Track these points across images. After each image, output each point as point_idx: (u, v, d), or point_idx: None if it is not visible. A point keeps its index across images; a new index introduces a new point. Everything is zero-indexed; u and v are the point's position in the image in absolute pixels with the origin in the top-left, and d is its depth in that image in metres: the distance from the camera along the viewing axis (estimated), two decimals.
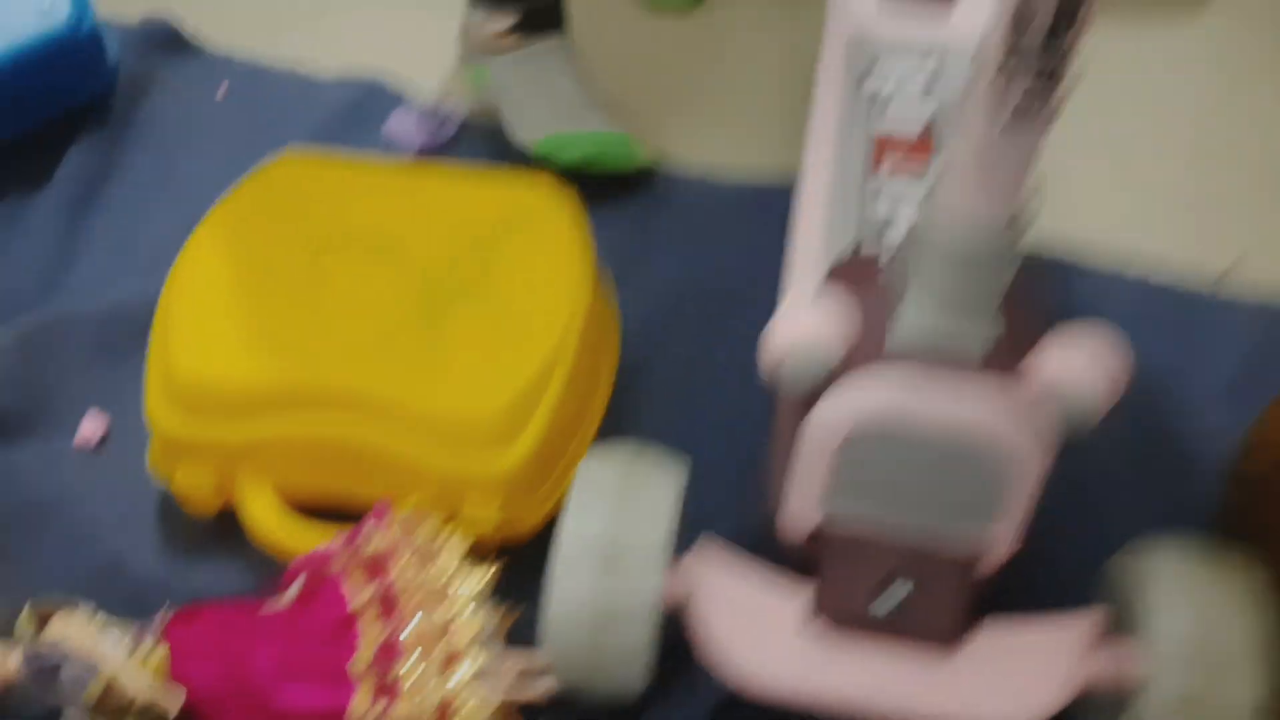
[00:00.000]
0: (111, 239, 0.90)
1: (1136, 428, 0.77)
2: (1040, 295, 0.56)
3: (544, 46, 0.98)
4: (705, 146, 0.99)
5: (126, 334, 0.80)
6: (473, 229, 0.71)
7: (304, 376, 0.65)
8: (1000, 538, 0.53)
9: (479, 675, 0.59)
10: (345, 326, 0.67)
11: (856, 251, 0.62)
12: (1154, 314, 0.86)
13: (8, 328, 0.82)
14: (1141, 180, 0.99)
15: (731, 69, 1.08)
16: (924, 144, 0.79)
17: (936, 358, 0.50)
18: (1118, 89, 1.04)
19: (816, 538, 0.56)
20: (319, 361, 0.65)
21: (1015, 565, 0.57)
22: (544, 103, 0.97)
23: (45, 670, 0.60)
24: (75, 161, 0.93)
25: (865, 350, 0.51)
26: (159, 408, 0.67)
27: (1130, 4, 1.13)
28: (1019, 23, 0.39)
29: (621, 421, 0.75)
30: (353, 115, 0.99)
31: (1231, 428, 0.74)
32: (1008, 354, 0.50)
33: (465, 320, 0.67)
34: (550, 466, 0.66)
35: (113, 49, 0.98)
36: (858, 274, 0.55)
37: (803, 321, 0.50)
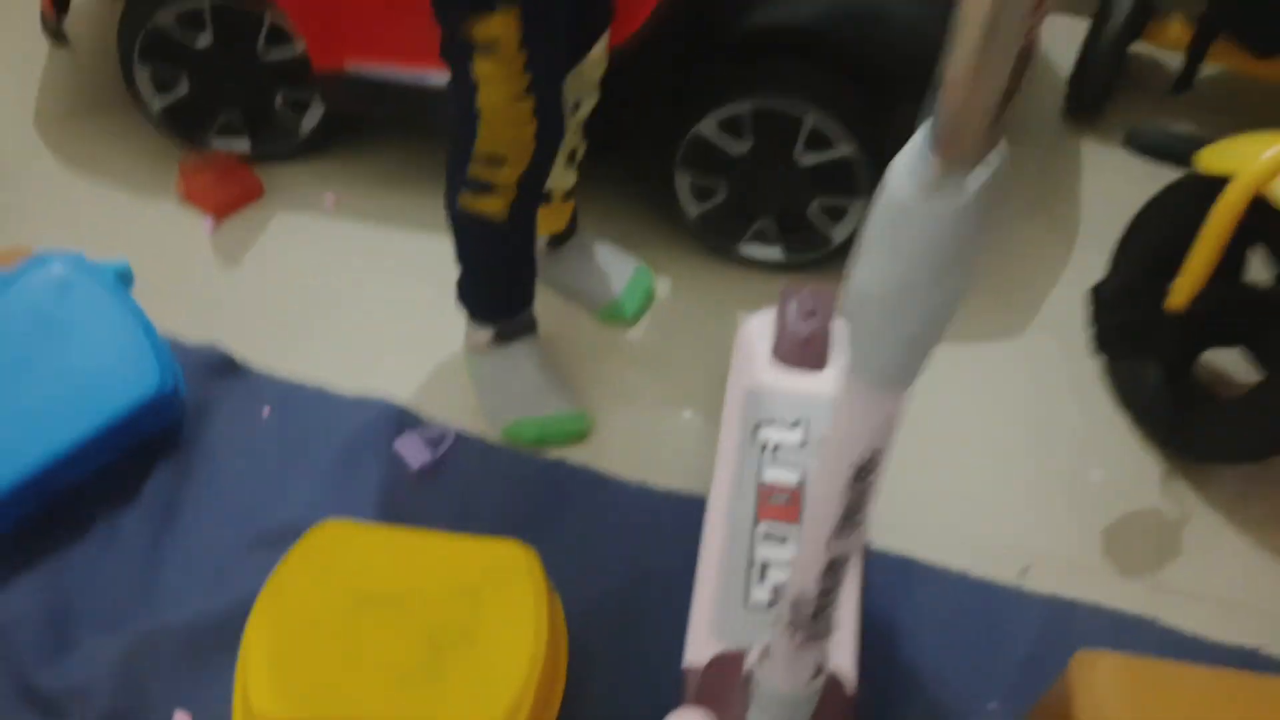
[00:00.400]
0: (188, 553, 1.16)
1: (931, 710, 1.05)
2: (836, 703, 0.84)
3: (515, 349, 1.27)
4: (639, 436, 1.28)
5: (204, 645, 1.06)
6: (463, 584, 0.98)
7: (346, 712, 0.91)
8: None
9: None
10: (374, 671, 0.93)
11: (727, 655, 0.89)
12: (958, 604, 1.15)
13: (112, 637, 1.08)
14: (961, 487, 1.27)
15: (663, 373, 1.37)
16: (796, 497, 1.08)
17: None
18: (947, 404, 1.33)
19: None
20: (356, 699, 0.92)
21: None
22: (509, 393, 1.27)
23: None
24: (154, 486, 1.20)
25: None
26: None
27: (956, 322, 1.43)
28: (795, 605, 0.68)
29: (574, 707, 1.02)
30: (369, 432, 1.26)
31: (1020, 703, 1.01)
32: None
33: (459, 662, 0.94)
34: None
35: (180, 382, 1.25)
36: (726, 669, 0.83)
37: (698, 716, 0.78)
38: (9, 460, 1.10)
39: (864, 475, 0.59)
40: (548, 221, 1.36)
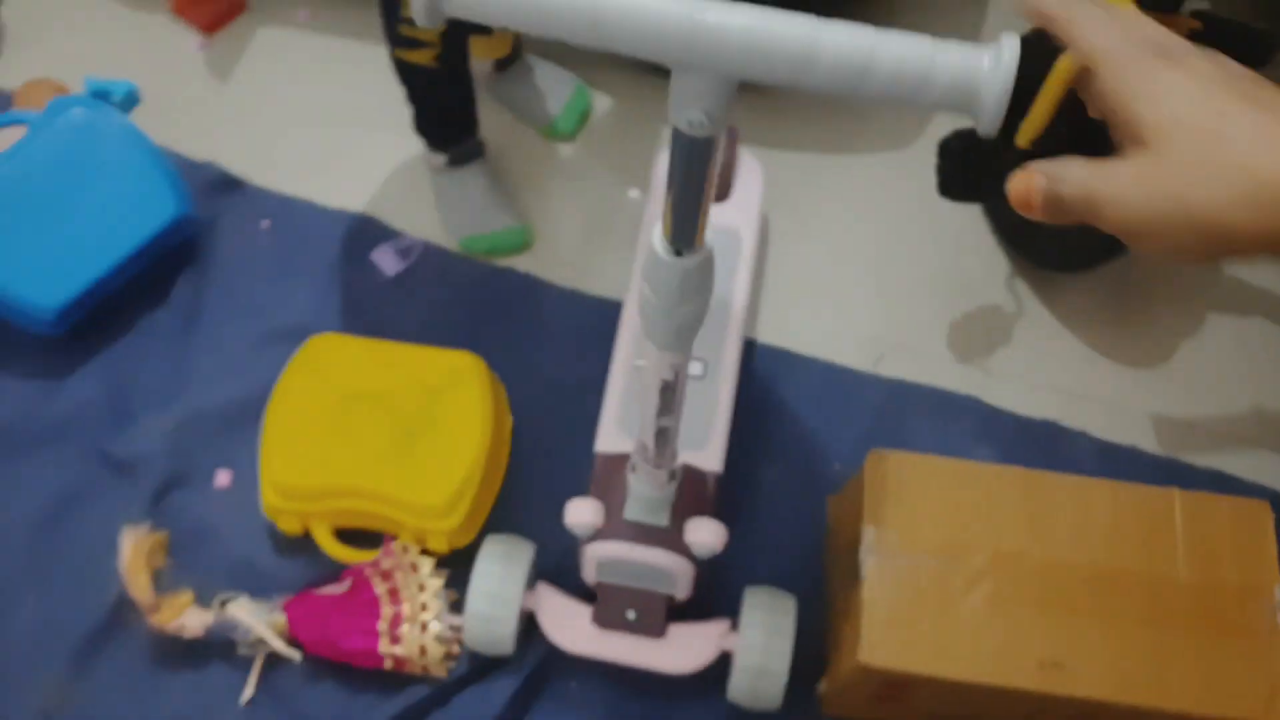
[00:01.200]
0: (214, 346, 1.45)
1: (789, 473, 1.37)
2: (690, 483, 1.15)
3: (466, 171, 1.52)
4: (575, 247, 1.55)
5: (235, 419, 1.36)
6: (426, 385, 1.29)
7: (339, 480, 1.24)
8: (680, 590, 1.15)
9: (438, 630, 1.22)
10: (360, 447, 1.25)
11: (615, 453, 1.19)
12: (821, 387, 1.45)
13: (162, 414, 1.40)
14: (836, 288, 1.53)
15: (598, 187, 1.61)
16: None
17: (644, 526, 1.10)
18: (831, 209, 1.58)
19: (596, 588, 1.18)
20: (347, 471, 1.25)
21: (691, 601, 1.18)
22: (463, 210, 1.52)
23: (225, 627, 1.23)
24: (180, 291, 1.48)
25: (611, 523, 1.11)
26: (268, 491, 1.26)
27: (851, 136, 1.65)
28: (641, 450, 0.98)
29: (515, 479, 1.35)
30: (352, 242, 1.53)
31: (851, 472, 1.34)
32: (678, 523, 1.10)
33: (424, 444, 1.26)
34: (476, 519, 1.27)
35: (189, 202, 1.50)
36: (615, 466, 1.14)
37: (584, 509, 1.10)
38: (61, 281, 1.38)
39: (667, 391, 0.89)
40: (491, 48, 1.55)
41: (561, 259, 1.54)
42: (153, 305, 1.48)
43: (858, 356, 1.47)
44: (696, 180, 0.66)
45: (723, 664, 1.17)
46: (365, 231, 1.54)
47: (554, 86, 1.62)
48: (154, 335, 1.46)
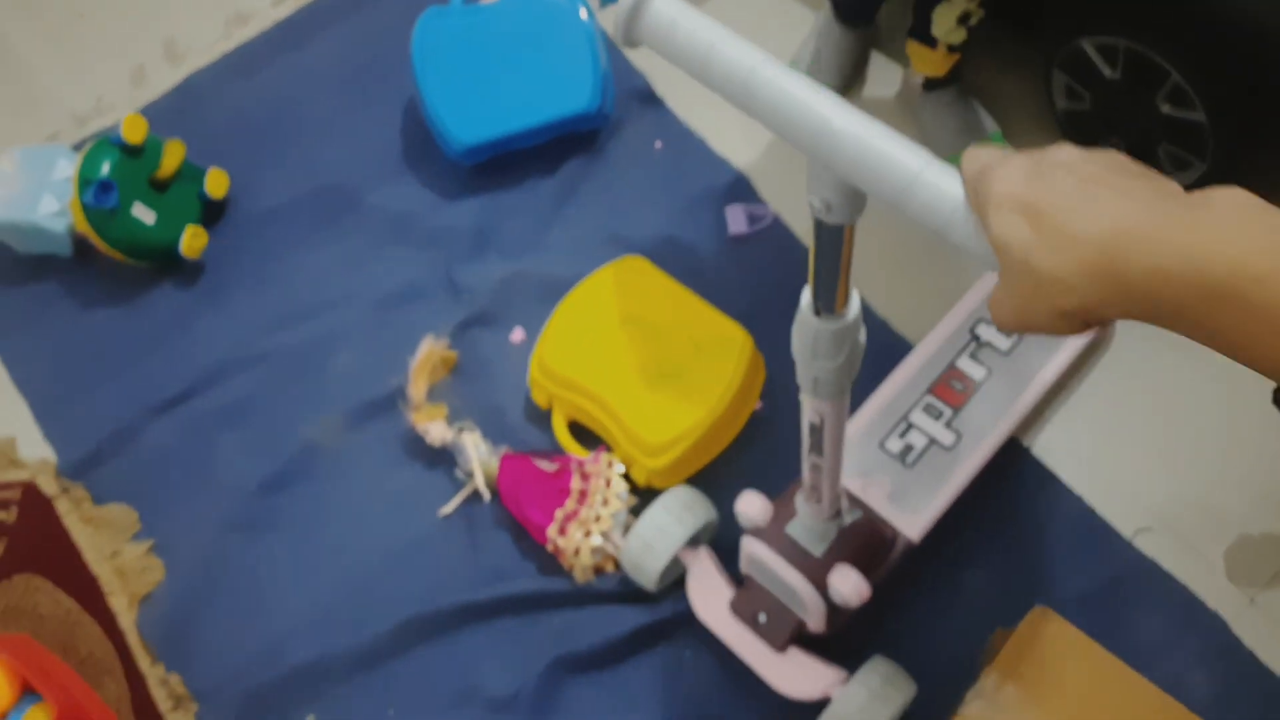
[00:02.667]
0: (575, 224, 1.64)
1: (987, 584, 1.32)
2: (865, 534, 1.16)
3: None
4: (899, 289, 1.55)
5: (551, 293, 1.53)
6: (696, 339, 1.39)
7: (587, 381, 1.39)
8: (810, 621, 1.18)
9: (597, 543, 1.35)
10: (617, 364, 1.39)
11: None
12: (1066, 524, 1.36)
13: (507, 262, 1.62)
14: (1136, 436, 1.39)
15: None
16: (970, 389, 1.34)
17: (798, 547, 1.15)
18: (1174, 355, 1.43)
19: (742, 579, 1.24)
20: (597, 377, 1.39)
21: (829, 640, 1.21)
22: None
23: (455, 448, 1.44)
24: (569, 168, 1.68)
25: (772, 527, 1.16)
26: (534, 363, 1.45)
27: None
28: (803, 481, 1.02)
29: (744, 455, 1.42)
30: (716, 190, 1.64)
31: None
32: (829, 561, 1.13)
33: (672, 386, 1.37)
34: (681, 470, 1.37)
35: (609, 101, 1.68)
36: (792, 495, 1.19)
37: (754, 504, 1.16)
38: (480, 124, 1.63)
39: (814, 434, 0.94)
40: (930, 64, 1.56)
41: (881, 284, 1.55)
42: (542, 172, 1.69)
43: (1120, 516, 1.37)
44: (831, 258, 0.73)
45: (821, 707, 1.19)
46: (732, 185, 1.64)
47: (972, 123, 1.61)
48: (532, 196, 1.68)
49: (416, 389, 1.47)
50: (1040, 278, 0.48)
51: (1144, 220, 0.45)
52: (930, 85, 1.61)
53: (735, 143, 1.68)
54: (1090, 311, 0.48)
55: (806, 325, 0.80)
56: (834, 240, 0.71)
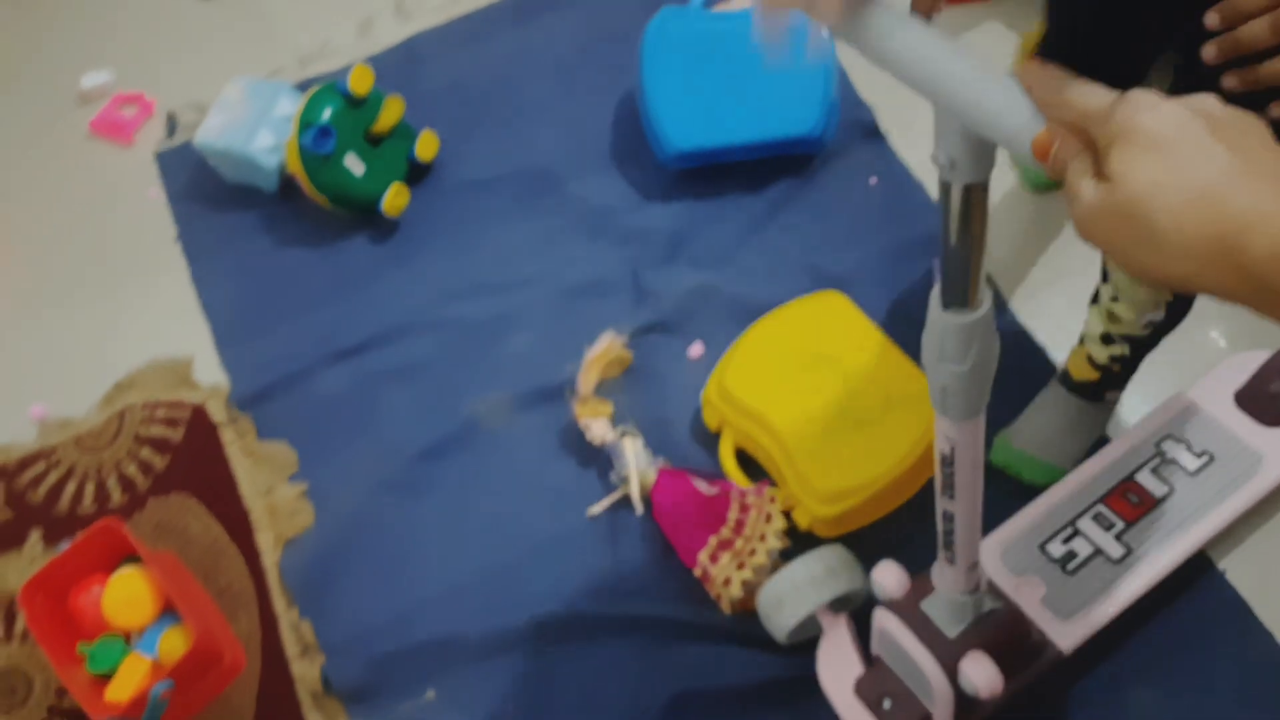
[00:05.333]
0: (761, 247, 1.60)
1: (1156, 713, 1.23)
2: (1007, 625, 1.09)
3: None
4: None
5: (741, 313, 1.48)
6: (889, 392, 1.33)
7: (764, 411, 1.34)
8: (938, 713, 1.10)
9: (747, 578, 1.30)
10: (800, 401, 1.34)
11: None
12: (1256, 665, 1.25)
13: (698, 275, 1.58)
14: None
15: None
16: (1147, 505, 1.24)
17: (930, 625, 1.08)
18: None
19: (872, 659, 1.18)
20: (776, 408, 1.34)
21: None
22: None
23: (613, 450, 1.41)
24: (774, 192, 1.64)
25: (906, 601, 1.10)
26: (711, 381, 1.41)
27: None
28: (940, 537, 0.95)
29: (919, 517, 1.35)
30: (931, 239, 1.57)
31: None
32: (963, 645, 1.06)
33: (855, 435, 1.31)
34: (845, 523, 1.31)
35: (831, 127, 1.63)
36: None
37: (890, 575, 1.10)
38: (694, 131, 1.59)
39: (945, 466, 0.88)
40: None
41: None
42: (749, 189, 1.65)
43: None
44: (961, 235, 0.68)
45: None
46: None
47: None
48: (735, 212, 1.64)
49: (587, 381, 1.44)
50: (1154, 228, 0.47)
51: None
52: None
53: None
54: (1190, 279, 0.47)
55: (934, 323, 0.75)
56: (964, 207, 0.66)
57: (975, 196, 0.66)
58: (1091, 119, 0.51)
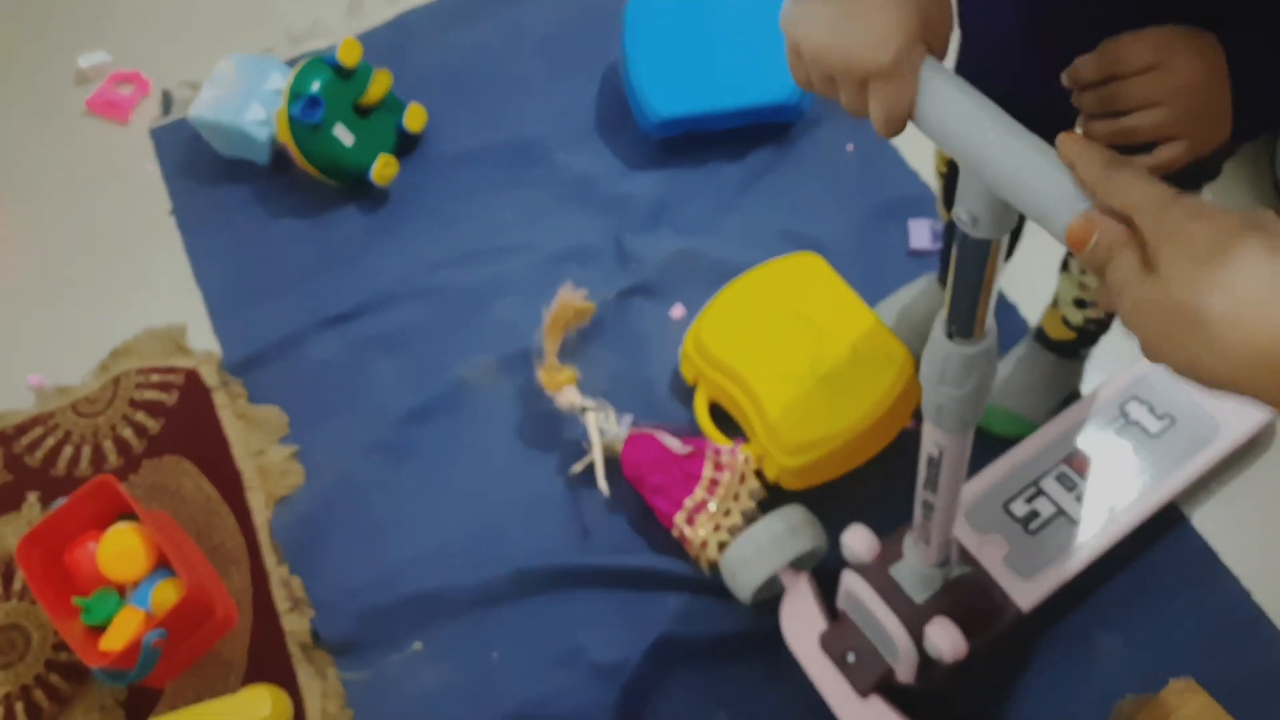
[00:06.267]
0: (741, 210, 1.63)
1: (1123, 655, 1.26)
2: (973, 591, 1.11)
3: None
4: None
5: (719, 274, 1.50)
6: (859, 350, 1.36)
7: (737, 365, 1.37)
8: (900, 671, 1.13)
9: (725, 539, 1.32)
10: (772, 356, 1.37)
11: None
12: (1224, 611, 1.28)
13: (678, 240, 1.61)
14: None
15: None
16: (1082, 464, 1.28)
17: (899, 590, 1.11)
18: None
19: (836, 615, 1.21)
20: (748, 362, 1.37)
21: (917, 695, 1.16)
22: None
23: (580, 424, 1.43)
24: (754, 160, 1.67)
25: (875, 565, 1.13)
26: (689, 336, 1.43)
27: None
28: (915, 518, 0.98)
29: (881, 477, 1.38)
30: (901, 203, 1.60)
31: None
32: (929, 610, 1.09)
33: (824, 389, 1.34)
34: (813, 476, 1.34)
35: (808, 96, 1.66)
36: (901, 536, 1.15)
37: (860, 539, 1.13)
38: (676, 99, 1.62)
39: (931, 467, 0.91)
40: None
41: None
42: (729, 157, 1.69)
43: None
44: (973, 278, 0.70)
45: None
46: (919, 200, 1.60)
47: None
48: (716, 178, 1.67)
49: (550, 341, 1.45)
50: (1207, 333, 0.47)
51: None
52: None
53: (928, 156, 1.64)
54: (1239, 384, 0.47)
55: (937, 348, 0.77)
56: (978, 256, 0.68)
57: (992, 250, 0.68)
58: (1142, 212, 0.50)
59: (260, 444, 1.51)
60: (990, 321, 0.75)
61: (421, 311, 1.60)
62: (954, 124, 0.58)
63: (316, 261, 1.67)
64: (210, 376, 1.58)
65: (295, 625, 1.37)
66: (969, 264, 0.69)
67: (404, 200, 1.72)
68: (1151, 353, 0.50)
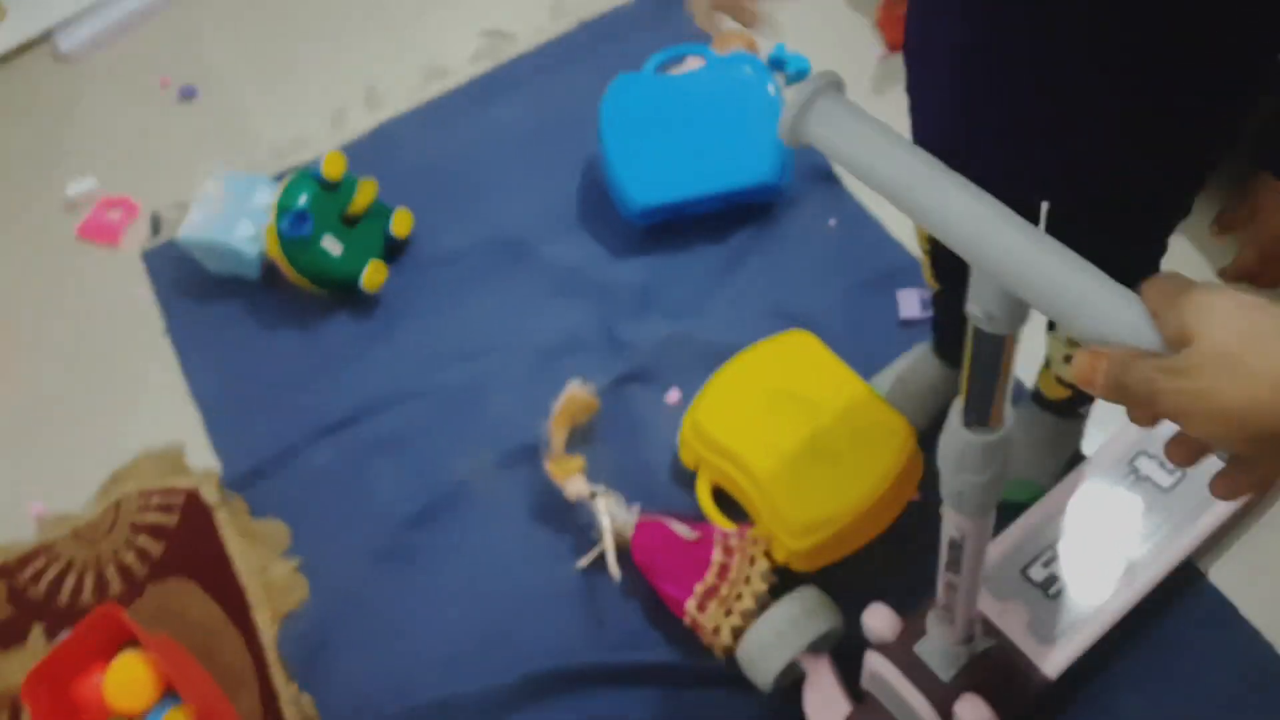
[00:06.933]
0: (730, 294, 1.65)
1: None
2: (1000, 664, 1.10)
3: None
4: None
5: (714, 357, 1.49)
6: (856, 426, 1.35)
7: (738, 448, 1.37)
8: None
9: (738, 624, 1.31)
10: (771, 437, 1.36)
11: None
12: (1245, 664, 1.26)
13: (671, 325, 1.62)
14: None
15: None
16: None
17: (925, 669, 1.09)
18: None
19: (861, 696, 1.19)
20: (749, 445, 1.36)
21: None
22: None
23: (588, 510, 1.42)
24: (738, 241, 1.68)
25: (899, 644, 1.11)
26: (686, 421, 1.44)
27: None
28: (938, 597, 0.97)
29: (893, 552, 1.36)
30: (888, 273, 1.61)
31: None
32: (957, 688, 1.07)
33: (826, 468, 1.33)
34: (821, 557, 1.33)
35: (788, 174, 1.69)
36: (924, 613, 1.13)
37: (882, 618, 1.12)
38: (657, 188, 1.65)
39: (953, 549, 0.90)
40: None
41: None
42: (713, 239, 1.70)
43: None
44: (988, 370, 0.70)
45: None
46: (905, 270, 1.61)
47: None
48: (701, 262, 1.69)
49: (557, 434, 1.46)
50: (1250, 367, 0.48)
51: None
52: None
53: (911, 226, 1.66)
54: (1260, 439, 0.48)
55: (955, 437, 0.77)
56: (993, 350, 0.68)
57: (1007, 342, 0.68)
58: (1165, 297, 0.52)
59: (263, 560, 1.51)
60: (1008, 409, 0.75)
61: (418, 413, 1.60)
62: (965, 228, 0.59)
63: (311, 371, 1.68)
64: (210, 495, 1.58)
65: None
66: (984, 357, 0.70)
67: (394, 304, 1.73)
68: (1197, 423, 0.50)
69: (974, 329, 0.67)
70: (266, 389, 1.68)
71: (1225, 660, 1.27)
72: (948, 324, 1.38)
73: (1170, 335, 0.51)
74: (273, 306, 1.76)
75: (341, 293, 1.72)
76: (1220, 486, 0.54)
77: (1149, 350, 0.51)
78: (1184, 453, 0.55)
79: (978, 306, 0.64)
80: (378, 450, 1.58)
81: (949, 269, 1.25)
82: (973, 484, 0.79)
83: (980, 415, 0.75)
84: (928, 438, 1.34)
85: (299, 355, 1.70)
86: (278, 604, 1.46)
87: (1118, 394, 0.53)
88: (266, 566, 1.50)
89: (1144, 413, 0.53)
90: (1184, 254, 1.55)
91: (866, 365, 1.49)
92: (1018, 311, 0.64)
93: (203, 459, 1.63)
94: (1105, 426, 1.43)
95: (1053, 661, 1.17)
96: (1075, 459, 1.42)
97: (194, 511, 1.56)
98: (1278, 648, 1.26)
